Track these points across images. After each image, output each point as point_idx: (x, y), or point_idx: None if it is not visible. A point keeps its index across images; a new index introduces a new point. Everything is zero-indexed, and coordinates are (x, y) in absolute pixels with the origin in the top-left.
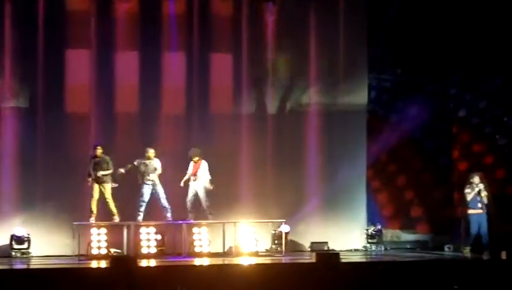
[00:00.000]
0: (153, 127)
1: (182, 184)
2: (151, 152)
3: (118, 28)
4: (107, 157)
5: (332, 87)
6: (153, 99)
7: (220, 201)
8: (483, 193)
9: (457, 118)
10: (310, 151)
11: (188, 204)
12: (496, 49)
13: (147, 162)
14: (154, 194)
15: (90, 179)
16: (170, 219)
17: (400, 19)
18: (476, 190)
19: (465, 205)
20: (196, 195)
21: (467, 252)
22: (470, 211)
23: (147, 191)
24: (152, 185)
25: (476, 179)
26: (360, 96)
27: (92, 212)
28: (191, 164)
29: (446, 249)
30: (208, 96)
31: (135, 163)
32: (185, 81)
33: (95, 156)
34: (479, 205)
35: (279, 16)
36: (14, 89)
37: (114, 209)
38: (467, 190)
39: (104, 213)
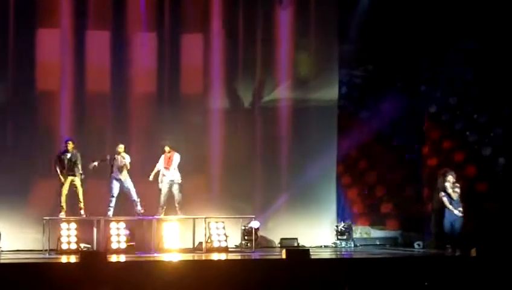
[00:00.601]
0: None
1: (151, 178)
2: (120, 148)
3: (89, 8)
4: (78, 153)
5: (303, 83)
6: (124, 79)
7: (190, 196)
8: (451, 191)
9: (427, 115)
10: (281, 147)
11: (162, 199)
12: (467, 45)
13: (117, 157)
14: (123, 189)
15: (62, 174)
16: (141, 211)
17: (371, 15)
18: (445, 197)
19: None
20: (170, 189)
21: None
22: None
23: (116, 186)
24: (120, 181)
25: (450, 178)
26: (330, 92)
27: (61, 207)
28: (162, 157)
29: (416, 245)
30: (178, 78)
31: (107, 157)
32: (157, 62)
33: (66, 151)
34: (452, 203)
35: (250, 10)
36: None
37: (82, 200)
38: (441, 194)
39: (74, 208)
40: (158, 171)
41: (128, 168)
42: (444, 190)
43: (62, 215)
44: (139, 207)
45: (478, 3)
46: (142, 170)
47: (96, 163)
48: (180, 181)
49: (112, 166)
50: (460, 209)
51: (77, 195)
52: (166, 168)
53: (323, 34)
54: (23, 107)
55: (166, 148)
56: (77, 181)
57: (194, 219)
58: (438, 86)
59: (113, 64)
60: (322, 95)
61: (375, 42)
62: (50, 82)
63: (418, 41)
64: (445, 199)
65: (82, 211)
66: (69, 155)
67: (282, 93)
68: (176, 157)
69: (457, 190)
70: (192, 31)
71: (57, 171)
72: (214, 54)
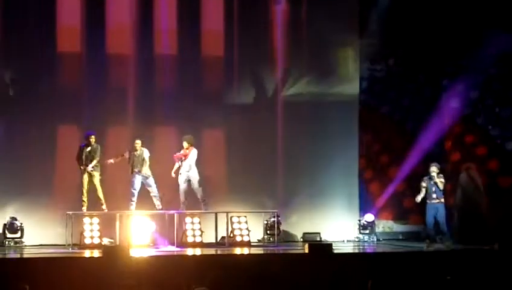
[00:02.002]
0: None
1: (173, 174)
2: (137, 143)
3: None
4: (99, 146)
5: (324, 77)
6: (147, 73)
7: (213, 191)
8: (438, 180)
9: (449, 109)
10: (302, 141)
11: (182, 194)
12: (490, 39)
13: (136, 153)
14: (144, 185)
15: (82, 168)
16: (160, 206)
17: (392, 9)
18: (425, 183)
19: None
20: (189, 184)
21: (428, 244)
22: (429, 201)
23: (137, 181)
24: (142, 176)
25: (434, 169)
26: (352, 87)
27: (83, 201)
28: (182, 153)
29: (438, 240)
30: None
31: (125, 154)
32: (177, 60)
33: (88, 145)
34: (434, 195)
35: (272, 6)
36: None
37: (102, 197)
38: (423, 183)
39: (97, 203)
40: (178, 167)
41: (148, 163)
42: (431, 179)
43: (84, 209)
44: (158, 202)
45: None
46: (164, 165)
47: (112, 160)
48: (197, 178)
49: (133, 162)
50: (443, 200)
51: (96, 190)
52: (181, 164)
53: (344, 28)
54: (45, 100)
55: (185, 144)
56: (96, 178)
57: (216, 213)
58: (460, 80)
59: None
60: (343, 89)
61: (396, 36)
62: (71, 75)
63: (440, 35)
64: (423, 189)
65: (103, 206)
66: (88, 149)
67: (303, 87)
68: (193, 153)
69: (442, 180)
70: (213, 26)
71: (78, 164)
72: (235, 48)
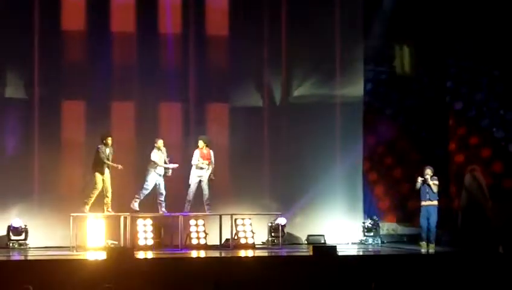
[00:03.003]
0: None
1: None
2: (160, 142)
3: None
4: (113, 148)
5: (328, 79)
6: (151, 82)
7: (217, 193)
8: (431, 183)
9: (453, 111)
10: (307, 143)
11: (191, 194)
12: (493, 41)
13: (160, 152)
14: (156, 184)
15: (108, 168)
16: (165, 211)
17: (396, 11)
18: (419, 184)
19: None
20: (199, 185)
21: (423, 245)
22: (422, 203)
23: (152, 180)
24: (159, 176)
25: (428, 171)
26: (356, 89)
27: (89, 202)
28: (197, 152)
29: (442, 242)
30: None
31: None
32: (182, 65)
33: (106, 145)
34: (427, 196)
35: (276, 9)
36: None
37: (109, 199)
38: (417, 184)
39: (101, 205)
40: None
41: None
42: (425, 181)
43: (86, 210)
44: (164, 209)
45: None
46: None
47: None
48: (211, 177)
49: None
50: (435, 203)
51: (106, 191)
52: (203, 163)
53: (348, 31)
54: (50, 104)
55: (201, 143)
56: (107, 177)
57: (220, 215)
58: (464, 82)
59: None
60: (348, 91)
61: (400, 38)
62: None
63: (444, 36)
64: (418, 184)
65: (109, 208)
66: (108, 150)
67: (307, 90)
68: (212, 153)
69: (436, 182)
70: (218, 29)
71: (97, 164)
72: (240, 51)
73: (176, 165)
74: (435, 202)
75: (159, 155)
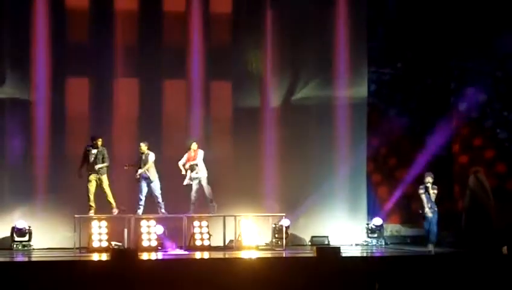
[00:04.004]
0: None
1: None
2: (143, 146)
3: None
4: (105, 150)
5: (332, 80)
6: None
7: (221, 194)
8: (431, 192)
9: (457, 112)
10: (310, 145)
11: (192, 196)
12: (496, 42)
13: (142, 156)
14: (149, 188)
15: (89, 171)
16: (165, 213)
17: (400, 12)
18: (423, 193)
19: (422, 205)
20: (199, 184)
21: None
22: (425, 210)
23: (143, 185)
24: (148, 180)
25: (428, 179)
26: (360, 90)
27: (90, 206)
28: (186, 155)
29: (445, 243)
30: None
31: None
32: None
33: (93, 147)
34: (429, 204)
35: (280, 10)
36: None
37: (112, 201)
38: (420, 191)
39: (105, 206)
40: (186, 170)
41: (153, 166)
42: (426, 189)
43: (91, 213)
44: (163, 210)
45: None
46: (172, 169)
47: (127, 166)
48: (206, 175)
49: (139, 164)
50: (434, 209)
51: (106, 197)
52: (192, 165)
53: (352, 32)
54: (54, 106)
55: (194, 146)
56: (104, 182)
57: (224, 216)
58: (467, 83)
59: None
60: (351, 92)
61: (404, 39)
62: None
63: (447, 38)
64: (423, 197)
65: (114, 210)
66: (94, 151)
67: (311, 91)
68: (200, 154)
69: (435, 191)
70: (222, 28)
71: (81, 167)
72: (244, 53)
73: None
74: (435, 208)
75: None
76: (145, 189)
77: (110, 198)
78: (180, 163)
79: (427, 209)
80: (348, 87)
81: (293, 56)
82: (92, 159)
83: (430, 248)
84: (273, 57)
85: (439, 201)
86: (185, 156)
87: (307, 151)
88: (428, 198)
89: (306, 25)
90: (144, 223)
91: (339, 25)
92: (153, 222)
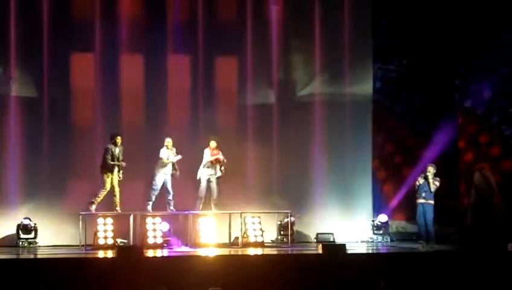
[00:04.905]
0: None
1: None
2: (168, 141)
3: None
4: (122, 148)
5: (337, 77)
6: (159, 75)
7: (226, 192)
8: (431, 181)
9: (462, 109)
10: (316, 142)
11: (202, 193)
12: (501, 39)
13: (169, 151)
14: (164, 184)
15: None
16: (173, 210)
17: (405, 9)
18: (421, 181)
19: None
20: (209, 184)
21: (423, 245)
22: (417, 201)
23: (164, 179)
24: (165, 175)
25: (430, 169)
26: (365, 87)
27: (96, 202)
28: (208, 152)
29: (451, 240)
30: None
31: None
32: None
33: (115, 144)
34: (423, 194)
35: (285, 6)
36: (19, 78)
37: (118, 201)
38: (418, 179)
39: (110, 203)
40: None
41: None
42: (426, 178)
43: (93, 209)
44: (171, 207)
45: None
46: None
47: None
48: (220, 174)
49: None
50: (431, 201)
51: (113, 190)
52: (218, 162)
53: (357, 29)
54: (58, 104)
55: (213, 144)
56: (115, 177)
57: (230, 213)
58: (473, 80)
59: (148, 63)
60: (357, 89)
61: (409, 36)
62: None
63: (453, 35)
64: (417, 184)
65: (118, 208)
66: (117, 150)
67: (316, 88)
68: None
69: (437, 183)
70: (228, 28)
71: (106, 164)
72: (249, 50)
73: (179, 157)
74: (430, 201)
75: (167, 153)
76: (160, 184)
77: (118, 198)
78: (204, 162)
79: (419, 199)
80: (353, 84)
81: (297, 53)
82: (116, 157)
83: (424, 246)
84: (278, 55)
85: (444, 197)
86: (207, 153)
87: (312, 148)
88: (424, 188)
89: (311, 22)
90: (149, 220)
91: (344, 21)
92: (158, 219)
